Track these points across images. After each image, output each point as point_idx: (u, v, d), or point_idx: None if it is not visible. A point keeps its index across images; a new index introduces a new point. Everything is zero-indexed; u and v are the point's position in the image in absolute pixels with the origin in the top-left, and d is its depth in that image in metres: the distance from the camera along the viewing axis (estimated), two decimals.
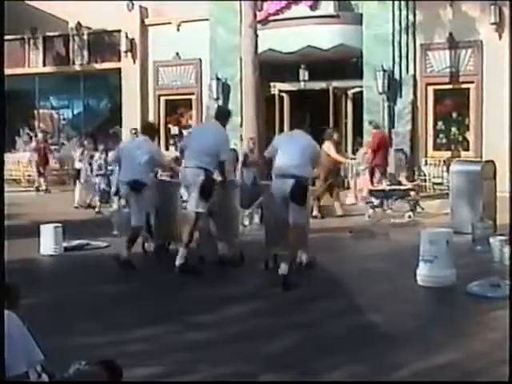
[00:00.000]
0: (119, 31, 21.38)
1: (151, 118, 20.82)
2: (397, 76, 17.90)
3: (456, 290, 7.05)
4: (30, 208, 14.77)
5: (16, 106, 20.43)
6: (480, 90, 17.14)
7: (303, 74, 19.04)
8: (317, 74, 18.97)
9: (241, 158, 12.68)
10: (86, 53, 22.22)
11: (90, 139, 16.66)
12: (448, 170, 13.90)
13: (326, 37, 17.94)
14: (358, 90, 18.57)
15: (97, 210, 14.06)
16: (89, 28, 22.09)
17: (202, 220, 8.34)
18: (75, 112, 23.22)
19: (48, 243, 9.41)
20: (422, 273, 7.24)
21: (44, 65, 22.95)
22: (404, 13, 17.77)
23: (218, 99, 19.35)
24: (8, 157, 20.47)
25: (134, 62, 21.23)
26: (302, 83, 19.22)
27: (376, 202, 13.05)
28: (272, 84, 19.71)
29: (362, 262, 8.73)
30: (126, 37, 21.07)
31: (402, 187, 13.25)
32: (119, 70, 21.47)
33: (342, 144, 17.38)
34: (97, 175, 14.63)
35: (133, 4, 20.98)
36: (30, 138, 23.36)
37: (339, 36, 18.03)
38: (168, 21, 20.70)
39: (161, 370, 4.83)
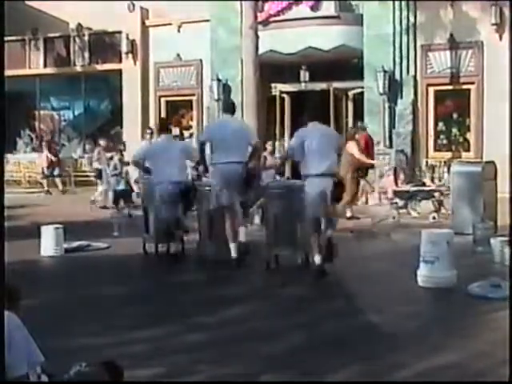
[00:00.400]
0: (120, 32, 21.38)
1: (152, 119, 20.83)
2: (397, 77, 17.90)
3: (456, 290, 7.04)
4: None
5: (17, 107, 20.42)
6: (481, 90, 17.15)
7: (304, 74, 19.04)
8: (317, 75, 18.97)
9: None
10: (86, 54, 22.22)
11: (105, 140, 16.82)
12: (449, 171, 13.88)
13: (326, 38, 17.94)
14: (358, 90, 18.57)
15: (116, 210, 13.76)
16: (90, 29, 22.08)
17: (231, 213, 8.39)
18: (76, 113, 23.20)
19: (48, 244, 9.40)
20: (423, 273, 7.24)
21: (45, 66, 22.95)
22: (405, 13, 17.78)
23: (218, 100, 19.34)
24: (8, 158, 20.55)
25: (135, 63, 21.23)
26: (303, 84, 19.22)
27: (400, 202, 13.03)
28: (273, 85, 19.72)
29: (362, 262, 8.73)
30: (127, 38, 21.07)
31: (426, 188, 13.25)
32: (120, 71, 21.47)
33: None
34: (112, 175, 14.53)
35: (133, 5, 20.98)
36: (31, 139, 23.40)
37: (340, 37, 18.03)
38: (169, 22, 20.70)
39: (161, 371, 4.82)
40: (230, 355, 5.17)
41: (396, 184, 13.67)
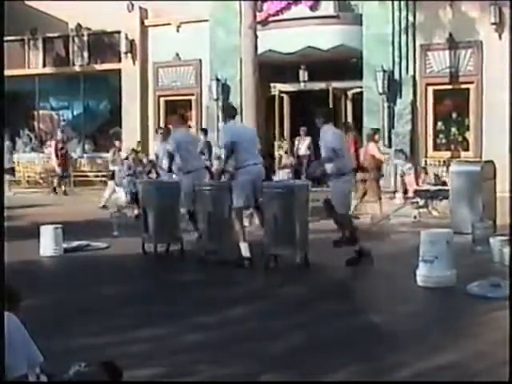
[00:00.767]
0: (119, 32, 21.38)
1: (151, 119, 20.84)
2: (397, 76, 17.91)
3: (456, 290, 7.04)
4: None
5: (16, 107, 20.42)
6: (480, 90, 17.16)
7: (303, 74, 19.06)
8: (317, 75, 18.99)
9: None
10: (85, 54, 22.21)
11: (118, 140, 16.80)
12: (448, 171, 13.87)
13: (325, 37, 17.95)
14: (357, 90, 18.59)
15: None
16: (89, 29, 22.07)
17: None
18: (75, 113, 23.18)
19: (48, 244, 9.39)
20: (422, 273, 7.23)
21: (44, 66, 22.93)
22: (404, 13, 17.79)
23: (217, 100, 19.35)
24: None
25: (134, 62, 21.23)
26: (302, 84, 19.24)
27: (421, 202, 12.96)
28: (272, 85, 19.73)
29: (362, 263, 8.72)
30: (126, 38, 21.07)
31: (447, 187, 13.19)
32: (119, 70, 21.47)
33: None
34: (127, 175, 14.34)
35: (133, 5, 20.98)
36: (30, 138, 23.37)
37: (339, 36, 18.04)
38: (168, 22, 20.70)
39: (161, 371, 4.82)
40: (230, 355, 5.17)
41: (417, 183, 13.57)
